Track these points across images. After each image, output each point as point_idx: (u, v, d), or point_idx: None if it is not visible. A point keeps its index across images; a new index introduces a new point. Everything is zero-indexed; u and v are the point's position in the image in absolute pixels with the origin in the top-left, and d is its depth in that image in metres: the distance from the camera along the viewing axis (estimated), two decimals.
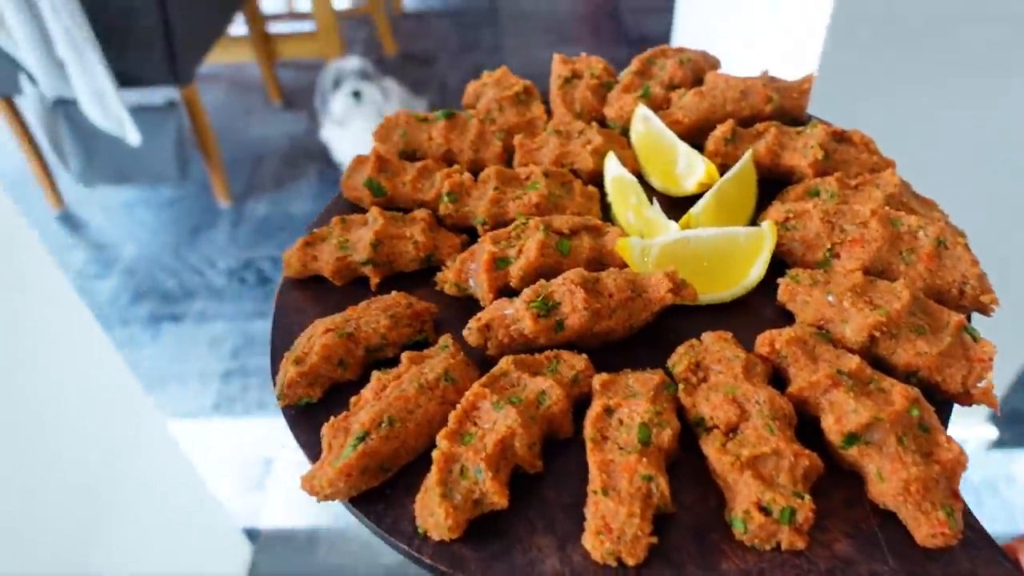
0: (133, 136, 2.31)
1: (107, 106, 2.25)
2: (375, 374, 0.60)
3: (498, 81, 0.90)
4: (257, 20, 3.09)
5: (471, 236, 0.76)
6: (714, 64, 0.90)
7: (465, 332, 0.63)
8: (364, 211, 0.81)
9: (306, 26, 3.58)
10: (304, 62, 3.55)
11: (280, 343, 0.68)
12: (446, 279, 0.70)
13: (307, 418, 0.62)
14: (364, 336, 0.64)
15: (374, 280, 0.71)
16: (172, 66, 2.38)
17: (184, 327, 2.40)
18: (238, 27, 2.98)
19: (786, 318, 0.64)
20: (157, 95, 2.52)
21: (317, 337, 0.63)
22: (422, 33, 3.97)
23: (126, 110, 2.27)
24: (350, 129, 2.69)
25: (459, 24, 3.99)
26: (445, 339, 0.63)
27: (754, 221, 0.73)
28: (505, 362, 0.59)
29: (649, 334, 0.65)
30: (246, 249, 2.62)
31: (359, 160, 0.82)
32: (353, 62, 2.66)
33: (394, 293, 0.68)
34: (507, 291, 0.68)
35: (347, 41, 3.79)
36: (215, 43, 2.65)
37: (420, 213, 0.74)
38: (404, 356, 0.61)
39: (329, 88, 2.66)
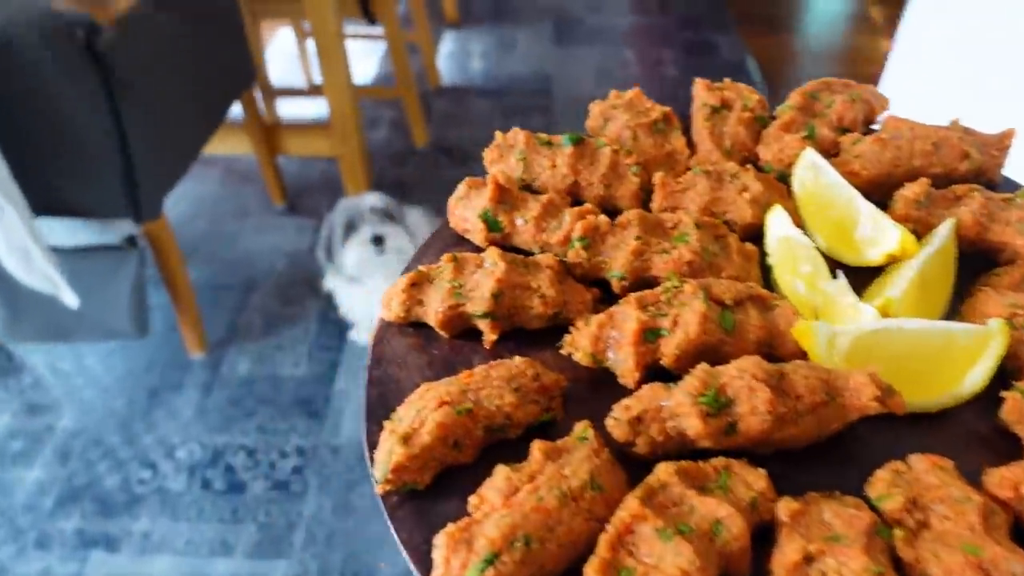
0: (69, 298, 1.69)
1: (33, 265, 1.65)
2: (503, 471, 0.49)
3: (630, 104, 0.78)
4: (255, 108, 2.31)
5: (604, 290, 0.64)
6: (884, 104, 0.77)
7: (610, 423, 0.52)
8: (473, 246, 0.69)
9: (321, 106, 2.85)
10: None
11: (376, 404, 0.57)
12: (577, 346, 0.58)
13: (410, 507, 0.51)
14: (485, 414, 0.52)
15: (490, 336, 0.60)
16: (133, 198, 1.67)
17: (118, 561, 1.62)
18: (235, 109, 2.19)
19: (1006, 440, 0.52)
20: (111, 230, 1.84)
21: (430, 412, 0.51)
22: (460, 115, 3.14)
23: (57, 269, 1.64)
24: (366, 286, 2.00)
25: (504, 107, 3.16)
26: (584, 429, 0.52)
27: (952, 307, 0.60)
28: (664, 472, 0.48)
29: (829, 440, 0.53)
30: (216, 431, 1.88)
31: (472, 184, 0.70)
32: (372, 199, 1.99)
33: (518, 359, 0.56)
34: (654, 368, 0.56)
35: (369, 121, 3.05)
36: (194, 162, 1.92)
37: (547, 259, 0.63)
38: (536, 448, 0.50)
39: (340, 233, 1.97)
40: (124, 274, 1.85)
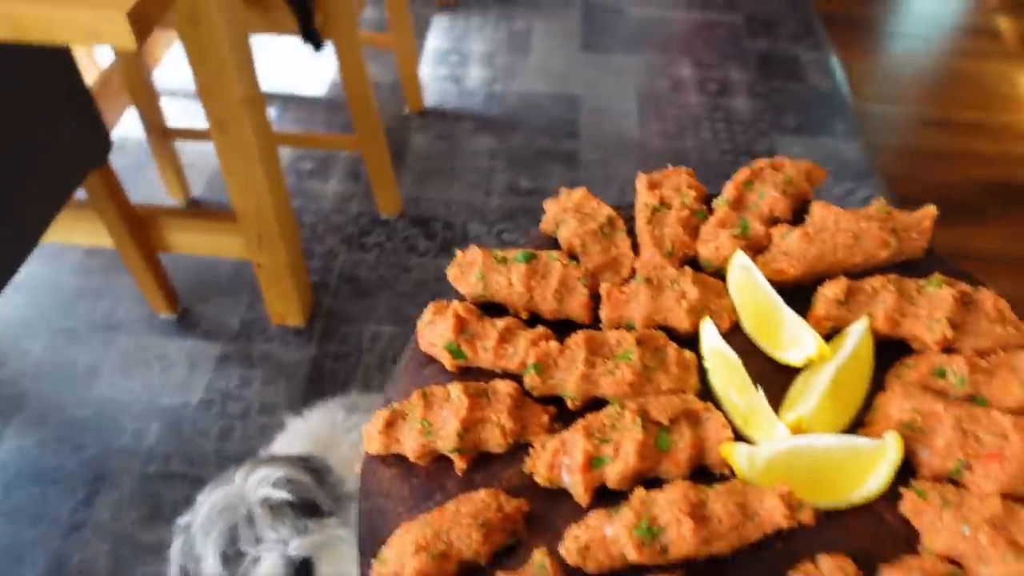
0: None
1: None
2: None
3: (578, 207, 0.85)
4: (115, 189, 1.55)
5: (559, 406, 0.72)
6: (820, 176, 0.83)
7: (563, 551, 0.60)
8: (440, 365, 0.77)
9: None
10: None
11: (367, 538, 0.66)
12: (536, 469, 0.66)
13: None
14: (457, 553, 0.61)
15: (460, 465, 0.69)
16: None
17: None
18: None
19: (911, 529, 0.59)
20: None
21: (408, 557, 0.60)
22: (447, 164, 2.26)
23: None
24: None
25: (511, 152, 2.31)
26: (541, 557, 0.60)
27: (868, 399, 0.67)
28: None
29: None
30: None
31: (437, 309, 0.78)
32: (273, 470, 1.07)
33: (483, 493, 0.65)
34: (604, 488, 0.65)
35: (315, 170, 2.19)
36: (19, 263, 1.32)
37: (505, 388, 0.71)
38: None
39: (217, 543, 1.03)
40: None
